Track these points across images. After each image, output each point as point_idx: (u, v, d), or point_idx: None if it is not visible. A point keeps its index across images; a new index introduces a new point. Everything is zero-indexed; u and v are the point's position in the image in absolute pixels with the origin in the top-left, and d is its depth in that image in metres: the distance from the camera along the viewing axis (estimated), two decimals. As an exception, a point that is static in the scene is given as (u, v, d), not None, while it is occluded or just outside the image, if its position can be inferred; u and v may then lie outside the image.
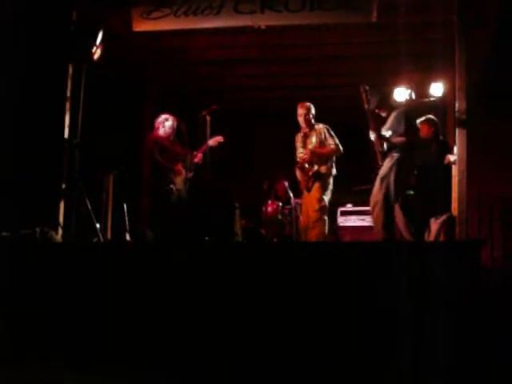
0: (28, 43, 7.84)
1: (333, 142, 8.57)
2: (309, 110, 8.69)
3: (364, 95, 8.05)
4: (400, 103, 8.67)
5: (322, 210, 8.48)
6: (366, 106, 8.06)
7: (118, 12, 8.67)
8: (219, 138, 8.91)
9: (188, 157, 8.93)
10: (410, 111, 8.34)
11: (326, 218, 8.53)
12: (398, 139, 7.92)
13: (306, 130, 8.70)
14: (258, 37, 9.25)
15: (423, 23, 8.78)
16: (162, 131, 8.99)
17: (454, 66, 8.16)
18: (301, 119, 8.69)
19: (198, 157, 8.92)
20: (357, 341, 4.98)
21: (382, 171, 7.89)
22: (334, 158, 8.65)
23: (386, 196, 7.81)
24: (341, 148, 8.58)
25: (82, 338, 5.25)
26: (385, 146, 8.00)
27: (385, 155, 7.97)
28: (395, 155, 7.86)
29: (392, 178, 7.83)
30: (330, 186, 8.60)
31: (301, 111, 8.70)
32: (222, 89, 11.90)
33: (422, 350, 4.82)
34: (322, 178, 8.50)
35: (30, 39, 7.84)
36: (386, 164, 7.90)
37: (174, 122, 9.02)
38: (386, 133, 7.97)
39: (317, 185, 8.49)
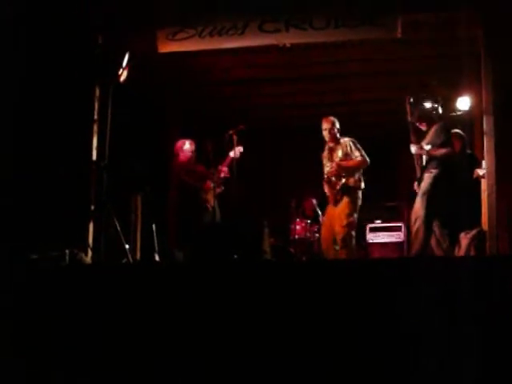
0: (55, 67, 7.92)
1: (359, 154, 8.49)
2: (333, 124, 8.65)
3: (408, 107, 8.06)
4: (439, 118, 8.57)
5: (351, 225, 8.39)
6: (410, 119, 8.06)
7: (143, 34, 8.73)
8: (239, 148, 8.92)
9: (215, 174, 8.97)
10: (448, 126, 8.27)
11: (353, 233, 8.45)
12: (439, 151, 7.85)
13: (332, 144, 8.65)
14: (283, 55, 9.28)
15: (448, 38, 8.76)
16: (182, 156, 9.12)
17: (480, 81, 8.14)
18: (325, 133, 8.66)
19: (224, 171, 8.97)
20: (385, 355, 4.95)
21: (423, 187, 7.82)
22: (362, 171, 8.59)
23: (428, 212, 7.73)
24: (367, 159, 8.51)
25: (112, 359, 5.25)
26: (424, 159, 7.96)
27: (423, 169, 7.92)
28: (433, 171, 7.78)
29: (433, 193, 7.75)
30: (359, 201, 8.50)
31: (325, 125, 8.66)
32: (248, 108, 11.92)
33: (451, 365, 4.78)
34: (350, 191, 8.44)
35: (57, 63, 7.92)
36: (426, 180, 7.82)
37: (191, 146, 9.13)
38: (426, 146, 7.92)
39: (346, 199, 8.39)
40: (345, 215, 8.37)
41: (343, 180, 8.47)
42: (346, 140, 8.61)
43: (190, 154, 9.16)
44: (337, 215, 8.49)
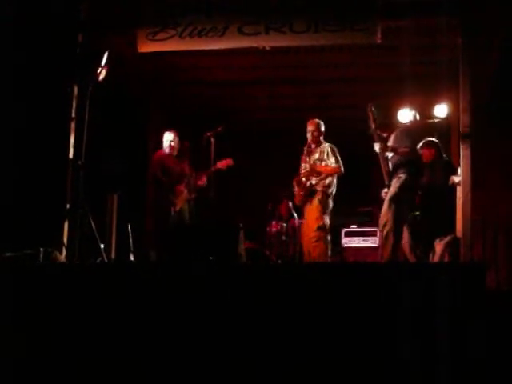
0: (34, 65, 7.88)
1: (334, 161, 8.52)
2: (317, 126, 8.69)
3: (371, 114, 8.08)
4: (401, 124, 8.63)
5: (322, 229, 8.38)
6: (373, 125, 8.08)
7: (123, 33, 8.73)
8: (229, 162, 8.91)
9: (192, 178, 8.94)
10: (413, 131, 8.33)
11: (328, 238, 8.45)
12: (402, 149, 7.92)
13: (312, 146, 8.67)
14: (263, 58, 9.30)
15: (428, 45, 8.82)
16: (163, 148, 9.07)
17: (458, 88, 8.18)
18: (309, 135, 8.69)
19: (203, 180, 8.93)
20: (356, 363, 4.96)
21: (391, 192, 7.86)
22: (335, 179, 8.59)
23: (396, 217, 7.76)
24: (342, 169, 8.54)
25: (84, 359, 5.23)
26: (390, 165, 8.00)
27: (391, 174, 7.96)
28: (402, 176, 7.84)
29: (401, 198, 7.80)
30: (328, 205, 8.52)
31: (310, 127, 8.70)
32: (227, 109, 11.91)
33: (424, 371, 4.80)
34: (316, 195, 8.44)
35: (36, 61, 7.88)
36: (394, 185, 7.87)
37: (173, 137, 9.04)
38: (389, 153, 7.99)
39: (313, 203, 8.43)
40: (313, 219, 8.41)
41: (313, 182, 8.47)
42: (325, 145, 8.64)
43: (168, 144, 9.07)
44: (308, 221, 8.51)
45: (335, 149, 8.63)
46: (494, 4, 8.02)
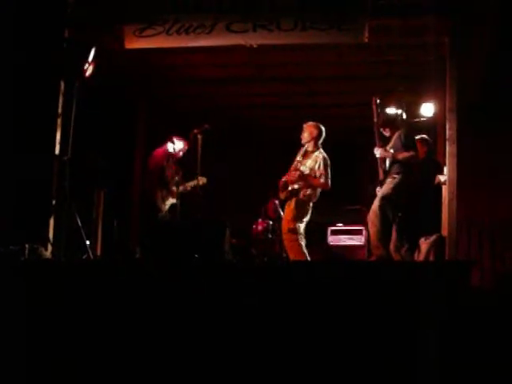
0: (20, 60, 7.84)
1: (323, 175, 8.26)
2: (316, 130, 8.41)
3: (375, 108, 8.03)
4: (401, 124, 8.46)
5: (292, 231, 8.19)
6: (375, 120, 8.02)
7: (110, 29, 8.68)
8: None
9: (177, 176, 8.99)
10: (411, 132, 8.22)
11: (300, 242, 8.20)
12: (403, 154, 7.79)
13: (309, 149, 8.44)
14: (251, 55, 9.27)
15: (415, 44, 8.82)
16: (172, 151, 9.18)
17: (444, 87, 8.20)
18: (306, 137, 8.44)
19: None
20: (344, 360, 4.98)
21: (384, 191, 7.75)
22: (318, 191, 8.37)
23: (386, 216, 7.68)
24: (329, 184, 8.30)
25: (69, 356, 5.22)
26: (387, 163, 7.92)
27: (386, 173, 7.87)
28: (396, 177, 7.73)
29: (392, 199, 7.71)
30: (306, 213, 8.29)
31: (307, 130, 8.44)
32: (215, 107, 11.90)
33: (409, 367, 4.82)
34: (296, 198, 8.27)
35: (22, 56, 7.84)
36: (388, 185, 7.75)
37: (182, 146, 9.19)
38: (391, 150, 7.87)
39: (292, 206, 8.27)
40: (287, 221, 8.29)
41: (295, 187, 8.31)
42: (320, 155, 8.35)
43: (179, 152, 9.23)
44: (283, 221, 8.44)
45: (328, 162, 8.35)
46: (481, 5, 8.05)
